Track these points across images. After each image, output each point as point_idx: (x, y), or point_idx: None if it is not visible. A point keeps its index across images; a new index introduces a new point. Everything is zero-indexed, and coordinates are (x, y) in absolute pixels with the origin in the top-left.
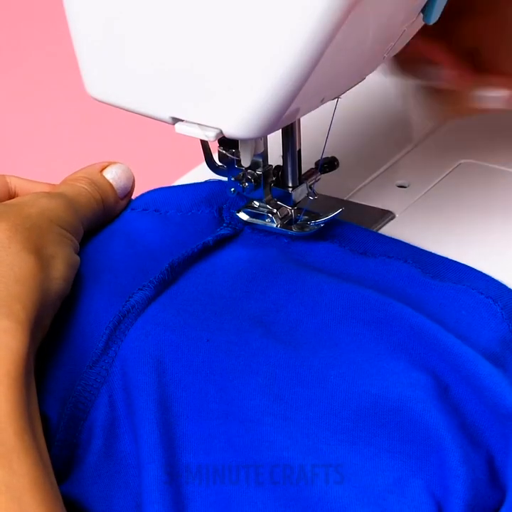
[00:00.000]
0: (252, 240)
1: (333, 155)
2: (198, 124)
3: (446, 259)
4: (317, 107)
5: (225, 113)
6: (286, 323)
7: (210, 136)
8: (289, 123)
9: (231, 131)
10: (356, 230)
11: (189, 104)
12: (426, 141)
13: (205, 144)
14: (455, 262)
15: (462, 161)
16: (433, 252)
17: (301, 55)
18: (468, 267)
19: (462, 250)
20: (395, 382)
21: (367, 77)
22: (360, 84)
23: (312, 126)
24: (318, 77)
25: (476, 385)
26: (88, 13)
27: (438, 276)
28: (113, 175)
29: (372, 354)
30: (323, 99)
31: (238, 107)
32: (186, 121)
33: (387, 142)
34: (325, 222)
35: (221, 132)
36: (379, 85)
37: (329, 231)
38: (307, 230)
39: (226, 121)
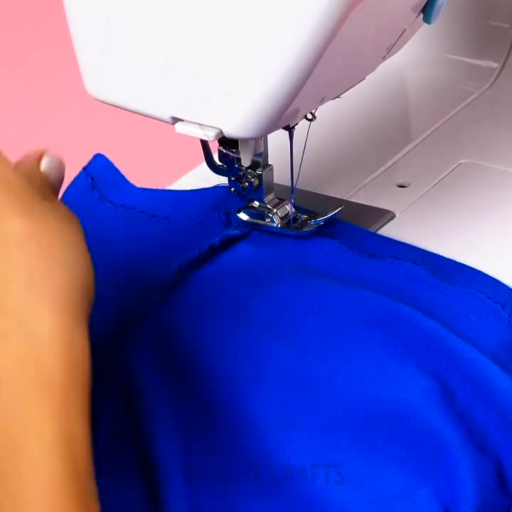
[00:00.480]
0: (258, 241)
1: (333, 154)
2: (198, 123)
3: (454, 261)
4: (317, 107)
5: (225, 113)
6: (292, 325)
7: (210, 136)
8: (289, 123)
9: (231, 131)
10: (364, 233)
11: (189, 104)
12: (426, 141)
13: (205, 144)
14: (463, 265)
15: (462, 161)
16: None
17: (301, 55)
18: (477, 270)
19: (462, 250)
20: (402, 388)
21: (367, 77)
22: (360, 83)
23: (312, 127)
24: (318, 77)
25: (484, 391)
26: (88, 13)
27: (447, 278)
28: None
29: (379, 359)
30: (323, 99)
31: (238, 107)
32: (186, 121)
33: (387, 142)
34: (324, 220)
35: (221, 132)
36: (380, 84)
37: (337, 233)
38: (307, 228)
39: (226, 121)
